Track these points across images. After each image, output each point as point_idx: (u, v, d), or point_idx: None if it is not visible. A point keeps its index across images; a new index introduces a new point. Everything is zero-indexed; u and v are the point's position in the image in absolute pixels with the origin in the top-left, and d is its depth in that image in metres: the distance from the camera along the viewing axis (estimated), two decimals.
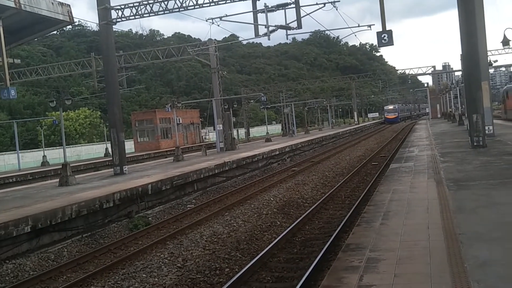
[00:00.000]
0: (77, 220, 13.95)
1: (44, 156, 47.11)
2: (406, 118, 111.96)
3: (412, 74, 73.27)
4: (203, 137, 67.40)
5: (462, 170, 13.88)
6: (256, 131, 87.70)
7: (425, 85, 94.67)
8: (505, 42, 21.15)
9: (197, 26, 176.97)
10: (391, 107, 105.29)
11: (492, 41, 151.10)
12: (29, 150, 57.20)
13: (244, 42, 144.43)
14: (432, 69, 78.57)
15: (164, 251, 11.84)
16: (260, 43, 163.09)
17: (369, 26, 27.48)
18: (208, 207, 17.59)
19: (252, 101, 73.84)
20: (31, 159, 51.26)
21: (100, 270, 10.59)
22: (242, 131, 70.39)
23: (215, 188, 22.24)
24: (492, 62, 46.02)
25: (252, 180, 24.07)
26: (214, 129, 42.24)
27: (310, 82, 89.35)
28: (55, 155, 50.71)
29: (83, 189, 17.72)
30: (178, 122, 44.42)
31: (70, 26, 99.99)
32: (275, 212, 15.50)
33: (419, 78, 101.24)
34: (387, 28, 18.34)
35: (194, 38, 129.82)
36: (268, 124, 62.58)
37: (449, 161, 16.25)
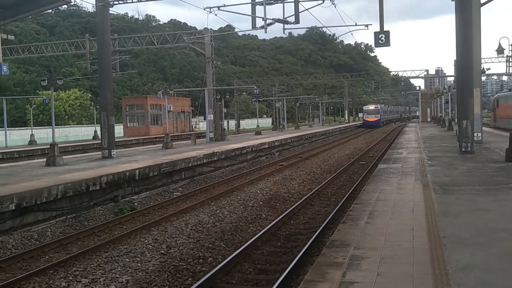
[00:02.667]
0: (62, 201, 13.89)
1: (32, 135, 46.65)
2: (393, 120, 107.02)
3: (405, 76, 73.44)
4: (193, 126, 67.20)
5: (449, 174, 14.02)
6: (247, 123, 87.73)
7: (417, 88, 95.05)
8: (500, 50, 21.35)
9: (193, 14, 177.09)
10: (372, 107, 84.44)
11: (486, 49, 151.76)
12: (17, 128, 56.70)
13: (240, 34, 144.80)
14: (425, 72, 79.09)
15: (149, 237, 11.83)
16: (256, 36, 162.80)
17: (367, 25, 27.60)
18: (195, 196, 17.58)
19: (244, 93, 73.90)
20: (18, 137, 50.85)
21: (83, 252, 10.57)
22: (232, 123, 70.38)
23: (202, 177, 22.23)
24: (485, 70, 46.26)
25: (239, 172, 24.08)
26: (204, 119, 42.13)
27: (303, 78, 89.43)
28: (42, 135, 50.32)
29: (70, 170, 17.62)
30: (169, 110, 44.24)
31: (65, 6, 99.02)
32: (261, 205, 15.54)
33: (412, 81, 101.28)
34: (385, 29, 18.38)
35: (190, 26, 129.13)
36: (259, 117, 62.48)
37: (437, 165, 16.38)
